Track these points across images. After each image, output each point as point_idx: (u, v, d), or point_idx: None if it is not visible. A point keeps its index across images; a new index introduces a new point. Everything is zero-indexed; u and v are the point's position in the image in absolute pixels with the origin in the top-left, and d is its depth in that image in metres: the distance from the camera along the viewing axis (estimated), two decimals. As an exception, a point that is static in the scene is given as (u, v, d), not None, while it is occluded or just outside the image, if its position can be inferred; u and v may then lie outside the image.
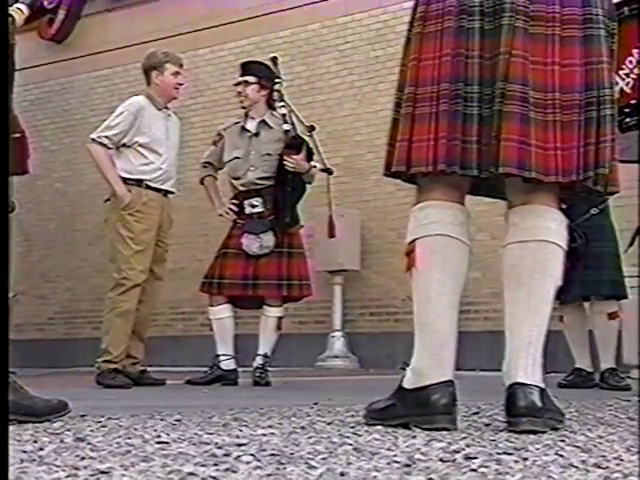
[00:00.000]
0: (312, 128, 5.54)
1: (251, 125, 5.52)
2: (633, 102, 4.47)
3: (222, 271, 5.38)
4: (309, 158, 5.42)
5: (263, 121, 5.49)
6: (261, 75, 5.52)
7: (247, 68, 5.60)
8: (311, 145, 5.49)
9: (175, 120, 5.60)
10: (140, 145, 5.32)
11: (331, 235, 5.69)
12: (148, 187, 5.33)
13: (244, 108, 5.56)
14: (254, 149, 5.45)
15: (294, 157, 5.31)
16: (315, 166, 5.51)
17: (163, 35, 9.81)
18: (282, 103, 5.43)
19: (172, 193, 5.51)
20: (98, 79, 10.92)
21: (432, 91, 2.31)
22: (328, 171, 5.69)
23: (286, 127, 5.37)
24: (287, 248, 5.37)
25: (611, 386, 4.93)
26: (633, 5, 4.53)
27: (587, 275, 4.90)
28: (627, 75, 4.47)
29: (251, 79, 5.50)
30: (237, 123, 5.62)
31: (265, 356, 5.39)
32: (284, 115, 5.39)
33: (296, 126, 5.43)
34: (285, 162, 5.31)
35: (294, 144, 5.35)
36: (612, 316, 5.10)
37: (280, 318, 5.44)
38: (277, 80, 5.49)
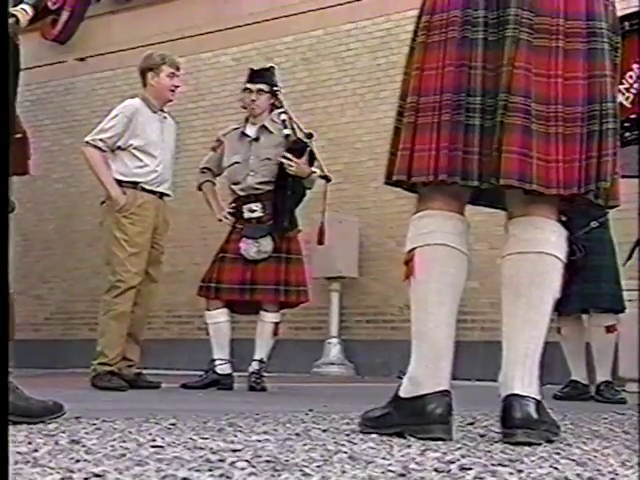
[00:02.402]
0: (310, 135, 5.55)
1: (251, 130, 5.53)
2: (633, 117, 4.47)
3: (220, 276, 5.38)
4: (310, 162, 5.42)
5: (263, 126, 5.50)
6: (271, 83, 5.54)
7: (260, 75, 5.56)
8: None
9: (171, 123, 5.60)
10: (135, 148, 5.32)
11: (320, 242, 5.69)
12: (143, 189, 5.33)
13: (254, 116, 5.53)
14: (254, 154, 5.45)
15: (296, 160, 5.32)
16: (315, 171, 5.51)
17: (166, 38, 9.82)
18: (282, 109, 5.45)
19: (168, 196, 5.51)
20: (100, 81, 10.94)
21: (434, 101, 2.31)
22: (326, 178, 5.70)
23: (286, 132, 5.38)
24: (285, 254, 5.37)
25: (606, 399, 4.93)
26: (633, 20, 4.54)
27: (586, 288, 4.91)
28: (627, 90, 4.47)
29: (266, 88, 5.50)
30: (236, 129, 5.63)
31: (261, 361, 5.39)
32: (284, 121, 5.40)
33: (297, 131, 5.44)
34: (286, 165, 5.32)
35: (296, 148, 5.36)
36: (610, 329, 5.11)
37: (277, 324, 5.44)
38: (276, 88, 5.51)
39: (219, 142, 5.68)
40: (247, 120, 5.59)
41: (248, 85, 5.54)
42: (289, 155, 5.32)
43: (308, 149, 5.40)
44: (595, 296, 5.03)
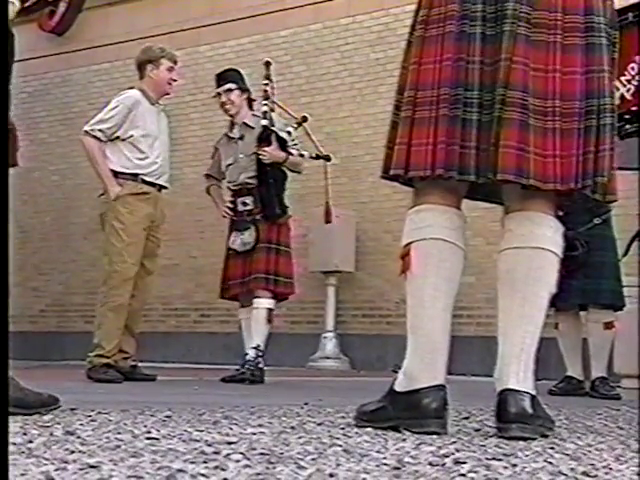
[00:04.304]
0: (304, 119, 5.67)
1: (235, 131, 5.68)
2: (634, 109, 4.45)
3: (227, 273, 5.58)
4: (282, 147, 5.49)
5: (244, 124, 5.63)
6: (238, 80, 5.68)
7: (224, 77, 5.72)
8: (294, 135, 5.56)
9: (164, 116, 5.63)
10: (135, 139, 5.33)
11: (327, 221, 5.80)
12: (143, 181, 5.34)
13: (231, 116, 5.67)
14: (241, 153, 5.62)
15: (265, 149, 5.42)
16: (303, 155, 5.61)
17: (164, 31, 9.80)
18: (265, 102, 5.51)
19: (166, 188, 5.53)
20: (97, 73, 10.91)
21: (432, 95, 2.31)
22: (325, 158, 5.81)
23: (264, 122, 5.50)
24: (275, 244, 5.49)
25: (601, 395, 4.94)
26: (637, 11, 4.51)
27: (586, 284, 4.92)
28: (628, 81, 4.45)
29: (232, 86, 5.64)
30: (225, 134, 5.77)
31: (257, 348, 5.40)
32: (265, 112, 5.48)
33: (274, 121, 5.50)
34: (260, 156, 5.42)
35: (263, 136, 5.47)
36: (608, 326, 5.10)
37: (270, 310, 5.48)
38: (265, 82, 5.57)
39: (215, 149, 5.87)
40: (232, 123, 5.71)
41: (217, 90, 5.70)
42: (258, 146, 5.44)
43: (274, 134, 5.46)
44: (595, 292, 5.03)
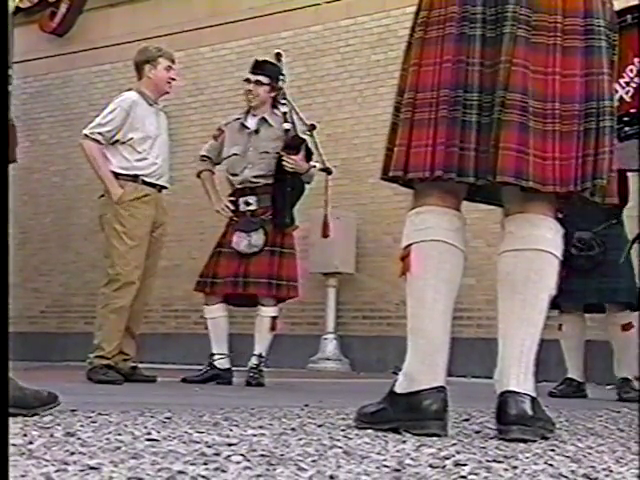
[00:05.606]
0: (313, 127, 5.56)
1: (251, 122, 5.53)
2: (632, 111, 4.45)
3: (215, 270, 5.40)
4: (308, 158, 5.42)
5: (263, 119, 5.50)
6: (273, 76, 5.51)
7: (262, 67, 5.56)
8: (310, 144, 5.49)
9: (164, 116, 5.61)
10: (134, 141, 5.32)
11: (325, 235, 5.69)
12: (144, 182, 5.34)
13: (251, 107, 5.54)
14: (252, 146, 5.45)
15: (293, 157, 5.32)
16: (315, 166, 5.52)
17: (165, 32, 9.80)
18: (284, 101, 5.44)
19: (166, 188, 5.52)
20: (98, 74, 10.92)
21: (432, 97, 2.31)
22: (327, 170, 5.71)
23: (286, 126, 5.37)
24: (279, 247, 5.38)
25: (620, 398, 4.84)
26: (636, 13, 4.51)
27: (603, 282, 4.88)
28: (627, 84, 4.45)
29: (264, 80, 5.49)
30: (238, 119, 5.62)
31: (260, 356, 5.39)
32: (285, 113, 5.40)
33: (296, 125, 5.43)
34: (284, 162, 5.31)
35: (293, 144, 5.36)
36: (626, 327, 5.00)
37: (274, 318, 5.44)
38: (280, 77, 5.50)
39: (220, 131, 5.67)
40: (248, 112, 5.57)
41: (248, 75, 5.56)
42: (286, 152, 5.32)
43: (304, 144, 5.39)
44: (613, 290, 4.93)
